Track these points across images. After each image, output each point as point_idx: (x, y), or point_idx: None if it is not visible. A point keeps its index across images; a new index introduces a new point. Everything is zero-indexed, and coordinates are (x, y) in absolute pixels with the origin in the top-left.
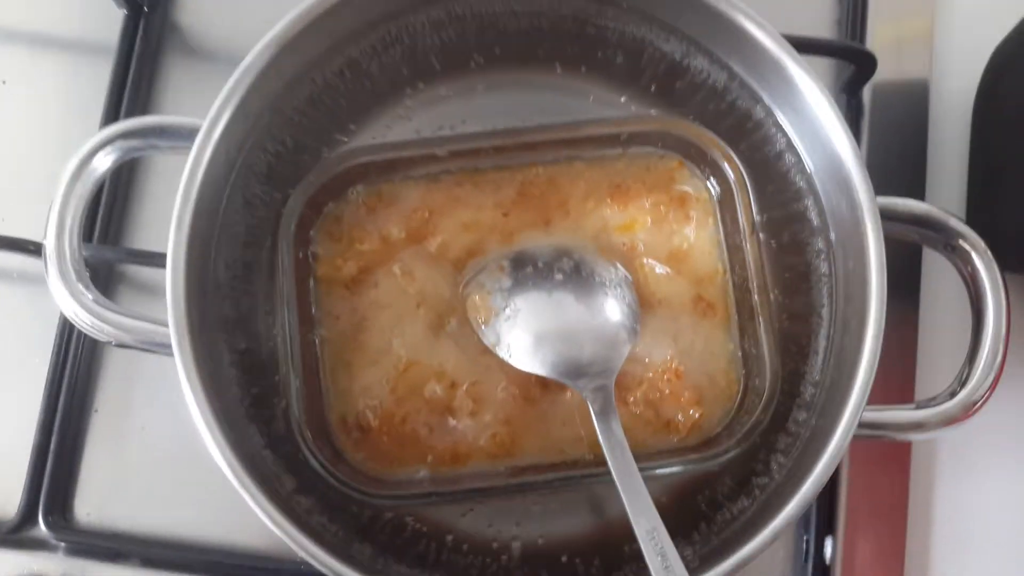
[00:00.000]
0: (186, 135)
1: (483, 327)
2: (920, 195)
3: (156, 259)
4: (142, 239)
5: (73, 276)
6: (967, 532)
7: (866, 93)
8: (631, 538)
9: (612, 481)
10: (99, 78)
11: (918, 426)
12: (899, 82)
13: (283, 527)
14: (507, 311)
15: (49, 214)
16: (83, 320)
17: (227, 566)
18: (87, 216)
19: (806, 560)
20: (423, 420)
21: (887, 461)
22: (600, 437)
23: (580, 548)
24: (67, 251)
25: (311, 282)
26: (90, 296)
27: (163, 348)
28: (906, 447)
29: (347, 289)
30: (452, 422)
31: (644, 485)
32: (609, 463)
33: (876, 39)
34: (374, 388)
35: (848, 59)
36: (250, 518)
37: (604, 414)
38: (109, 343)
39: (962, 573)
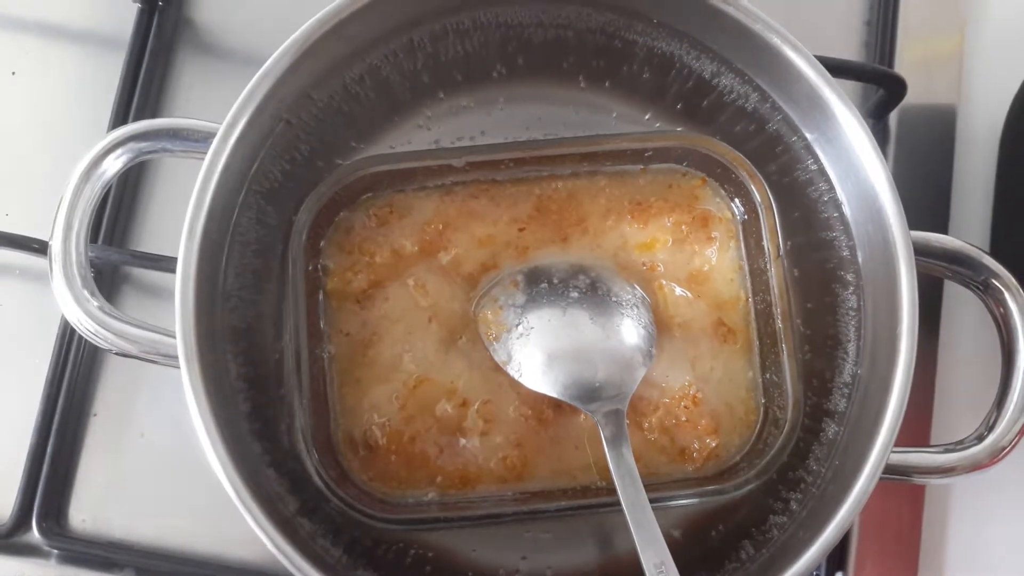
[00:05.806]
0: (200, 139)
1: (494, 343)
2: (944, 223)
3: (163, 262)
4: (149, 241)
5: (78, 281)
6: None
7: (892, 117)
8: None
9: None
10: (110, 72)
11: (944, 470)
12: (926, 106)
13: (283, 550)
14: (519, 328)
15: (56, 215)
16: (86, 327)
17: None
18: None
19: None
20: (433, 439)
21: (901, 498)
22: (610, 464)
23: None
24: (73, 254)
25: (320, 296)
26: (95, 303)
27: (168, 359)
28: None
29: (357, 303)
30: (462, 442)
31: (653, 516)
32: (619, 492)
33: (904, 62)
34: (383, 405)
35: (878, 83)
36: (248, 533)
37: (615, 440)
38: (111, 351)
39: None
